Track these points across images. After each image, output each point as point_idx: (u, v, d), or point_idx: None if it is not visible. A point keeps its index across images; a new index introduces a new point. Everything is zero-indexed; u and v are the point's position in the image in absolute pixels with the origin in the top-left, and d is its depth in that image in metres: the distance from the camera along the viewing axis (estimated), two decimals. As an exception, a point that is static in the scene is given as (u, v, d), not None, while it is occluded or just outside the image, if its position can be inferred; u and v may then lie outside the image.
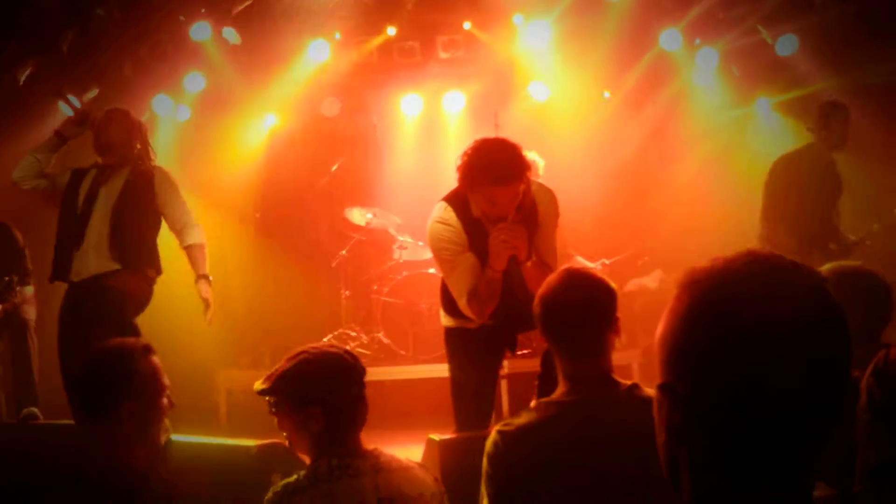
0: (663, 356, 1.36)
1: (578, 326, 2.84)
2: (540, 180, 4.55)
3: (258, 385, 2.96)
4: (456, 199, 4.47)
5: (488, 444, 2.78)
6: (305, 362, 2.92)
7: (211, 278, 5.80)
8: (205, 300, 5.76)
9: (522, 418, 2.80)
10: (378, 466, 2.86)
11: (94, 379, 3.02)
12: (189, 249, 5.81)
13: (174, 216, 5.81)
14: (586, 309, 2.85)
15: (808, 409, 1.27)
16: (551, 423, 2.73)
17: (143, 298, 5.66)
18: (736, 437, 1.28)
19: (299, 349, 2.99)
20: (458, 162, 4.33)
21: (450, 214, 4.44)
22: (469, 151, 4.31)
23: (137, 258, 5.64)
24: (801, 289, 1.30)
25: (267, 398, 2.95)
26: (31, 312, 6.96)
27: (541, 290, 2.96)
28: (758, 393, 1.25)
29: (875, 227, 7.12)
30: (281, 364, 2.95)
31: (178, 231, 5.82)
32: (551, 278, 2.98)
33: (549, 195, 4.63)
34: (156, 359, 3.10)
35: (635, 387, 2.81)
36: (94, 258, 5.57)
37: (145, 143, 5.96)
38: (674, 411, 1.33)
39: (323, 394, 2.86)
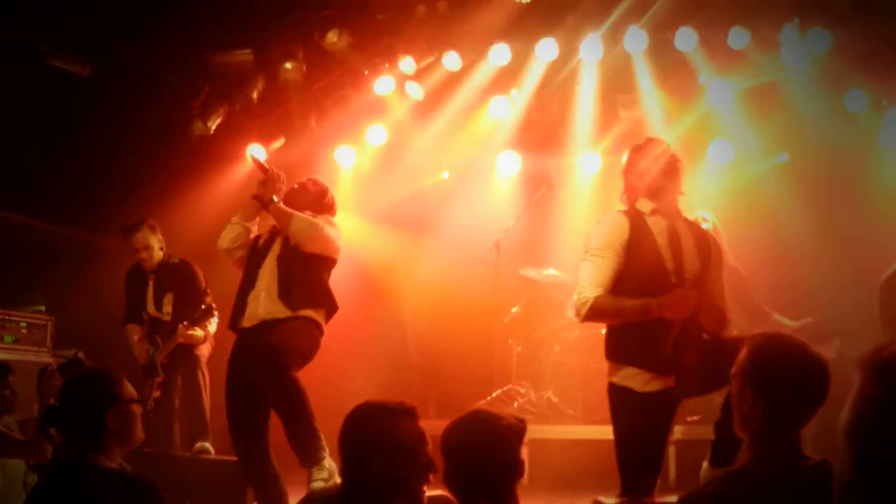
0: (855, 445, 1.27)
1: (806, 396, 2.69)
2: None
3: None
4: (630, 213, 4.59)
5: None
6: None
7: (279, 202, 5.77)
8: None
9: (707, 486, 2.69)
10: None
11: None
12: None
13: None
14: (820, 382, 2.69)
15: None
16: (736, 492, 2.59)
17: (306, 352, 5.58)
18: None
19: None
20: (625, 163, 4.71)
21: (623, 220, 4.52)
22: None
23: (307, 299, 5.64)
24: None
25: None
26: (203, 349, 7.13)
27: (762, 350, 2.79)
28: None
29: None
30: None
31: None
32: (774, 343, 2.81)
33: (710, 232, 4.95)
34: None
35: (825, 463, 2.62)
36: (265, 301, 5.63)
37: (327, 211, 6.00)
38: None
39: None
